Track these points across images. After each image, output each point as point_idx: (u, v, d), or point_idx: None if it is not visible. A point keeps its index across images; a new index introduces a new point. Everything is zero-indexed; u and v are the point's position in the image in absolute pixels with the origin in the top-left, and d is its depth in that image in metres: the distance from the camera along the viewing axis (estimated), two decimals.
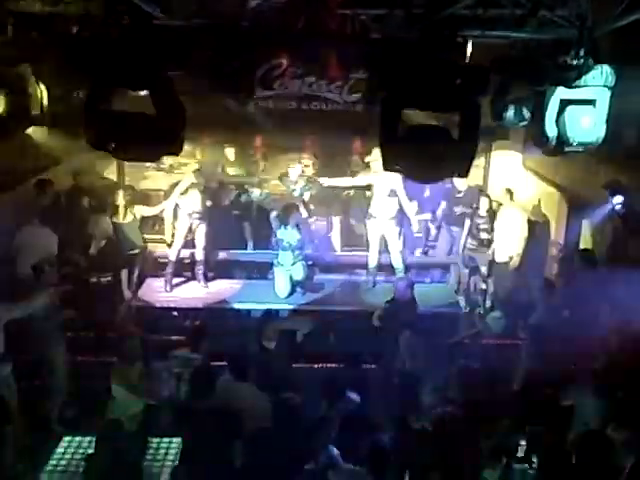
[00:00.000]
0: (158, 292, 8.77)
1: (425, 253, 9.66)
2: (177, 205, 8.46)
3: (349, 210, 9.73)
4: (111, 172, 9.86)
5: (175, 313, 8.50)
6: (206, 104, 6.48)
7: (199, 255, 8.70)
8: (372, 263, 8.87)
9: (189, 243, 8.70)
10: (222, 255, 9.25)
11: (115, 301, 8.41)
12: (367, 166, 9.00)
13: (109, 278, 8.29)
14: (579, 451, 4.57)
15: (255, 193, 9.22)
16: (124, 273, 8.66)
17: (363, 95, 7.72)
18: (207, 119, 7.30)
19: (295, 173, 9.02)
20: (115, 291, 8.47)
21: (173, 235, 8.49)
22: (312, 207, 9.05)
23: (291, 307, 8.32)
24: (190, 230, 8.53)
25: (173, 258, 8.59)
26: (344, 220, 9.78)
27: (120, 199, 8.52)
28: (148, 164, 9.36)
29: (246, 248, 9.57)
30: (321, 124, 8.35)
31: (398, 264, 8.72)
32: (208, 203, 8.75)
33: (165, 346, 6.62)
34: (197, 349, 6.28)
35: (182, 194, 8.41)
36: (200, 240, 8.61)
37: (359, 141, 9.64)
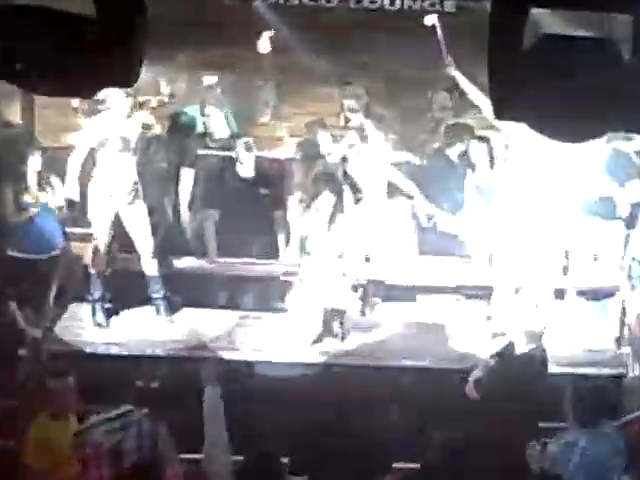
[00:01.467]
0: (88, 328, 7.23)
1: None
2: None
3: (427, 188, 7.80)
4: (13, 114, 8.47)
5: (118, 365, 6.88)
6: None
7: (148, 265, 7.06)
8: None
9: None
10: (196, 265, 7.55)
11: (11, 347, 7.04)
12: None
13: None
14: None
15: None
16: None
17: None
18: (183, 24, 7.24)
19: (333, 122, 7.47)
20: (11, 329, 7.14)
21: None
22: (360, 184, 7.35)
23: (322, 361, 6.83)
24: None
25: (97, 270, 7.04)
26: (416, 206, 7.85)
27: (31, 164, 7.15)
28: (77, 102, 7.34)
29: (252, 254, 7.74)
30: (383, 35, 7.82)
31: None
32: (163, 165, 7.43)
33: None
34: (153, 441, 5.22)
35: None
36: (141, 238, 6.98)
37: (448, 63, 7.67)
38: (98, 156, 6.77)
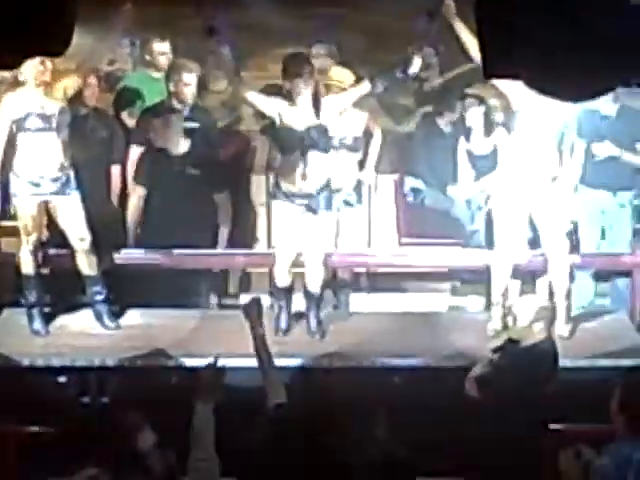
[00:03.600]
0: (25, 337, 6.94)
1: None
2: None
3: (414, 162, 7.93)
4: None
5: (62, 379, 6.63)
6: None
7: (84, 263, 6.82)
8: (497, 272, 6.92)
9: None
10: (142, 257, 7.28)
11: None
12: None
13: None
14: None
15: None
16: None
17: None
18: None
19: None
20: None
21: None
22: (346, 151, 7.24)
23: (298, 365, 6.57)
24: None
25: (29, 269, 6.81)
26: (401, 181, 8.00)
27: None
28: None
29: (215, 244, 7.54)
30: None
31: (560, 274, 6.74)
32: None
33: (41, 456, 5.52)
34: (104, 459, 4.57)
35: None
36: (75, 232, 6.72)
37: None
38: (18, 137, 6.55)
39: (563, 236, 6.82)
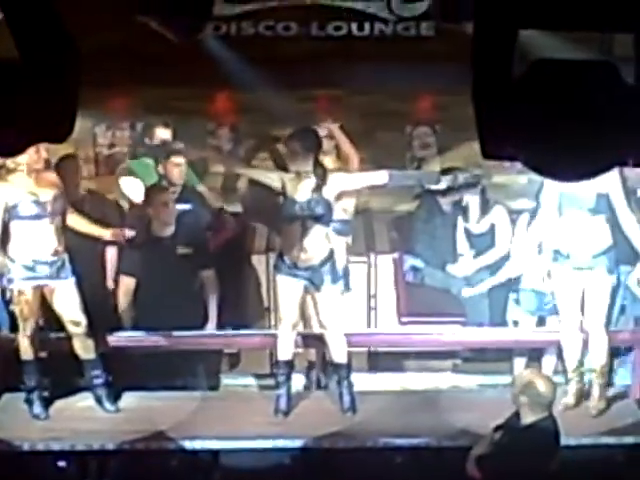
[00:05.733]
0: (25, 421, 6.88)
1: None
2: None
3: (414, 240, 7.83)
4: None
5: (62, 463, 6.63)
6: (121, 31, 6.85)
7: (81, 347, 6.75)
8: None
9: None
10: (141, 339, 7.22)
11: None
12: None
13: None
14: None
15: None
16: None
17: (433, 5, 7.44)
18: (121, 65, 7.09)
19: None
20: None
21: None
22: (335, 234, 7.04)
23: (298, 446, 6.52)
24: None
25: (28, 355, 6.74)
26: (402, 259, 7.84)
27: None
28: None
29: (202, 326, 7.33)
30: (349, 66, 7.47)
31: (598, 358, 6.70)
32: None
33: None
34: None
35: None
36: (71, 316, 6.65)
37: (427, 97, 8.06)
38: (12, 225, 6.54)
39: (604, 313, 6.70)
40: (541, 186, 6.76)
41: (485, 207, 7.42)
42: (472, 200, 7.43)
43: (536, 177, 6.50)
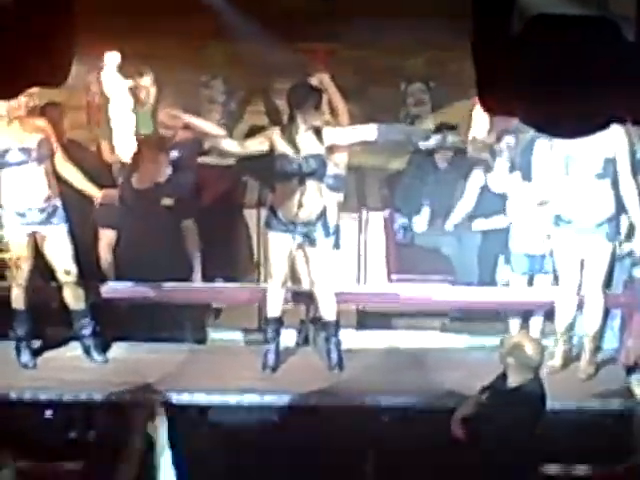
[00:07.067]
0: (11, 370, 6.91)
1: None
2: None
3: (404, 198, 7.86)
4: None
5: (49, 413, 6.66)
6: None
7: (71, 296, 6.73)
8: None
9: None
10: (130, 290, 7.17)
11: None
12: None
13: None
14: None
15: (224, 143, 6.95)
16: None
17: None
18: (114, 14, 6.90)
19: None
20: None
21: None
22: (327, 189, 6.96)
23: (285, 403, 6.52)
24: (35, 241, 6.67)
25: (20, 304, 6.72)
26: (393, 217, 7.91)
27: None
28: None
29: (189, 278, 7.37)
30: (343, 20, 7.40)
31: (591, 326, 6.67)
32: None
33: None
34: None
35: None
36: (62, 264, 6.63)
37: (421, 53, 7.93)
38: (1, 173, 6.52)
39: (603, 278, 6.66)
40: (549, 148, 6.64)
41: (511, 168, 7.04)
42: (504, 156, 7.11)
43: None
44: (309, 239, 6.42)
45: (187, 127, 7.45)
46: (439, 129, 7.68)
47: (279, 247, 6.47)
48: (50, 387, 6.60)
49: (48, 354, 6.98)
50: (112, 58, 7.29)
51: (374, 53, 7.98)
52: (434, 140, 7.26)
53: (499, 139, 7.19)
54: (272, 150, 6.41)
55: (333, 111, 7.27)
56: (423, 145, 7.35)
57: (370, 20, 7.47)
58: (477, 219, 7.49)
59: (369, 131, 6.48)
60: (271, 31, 7.46)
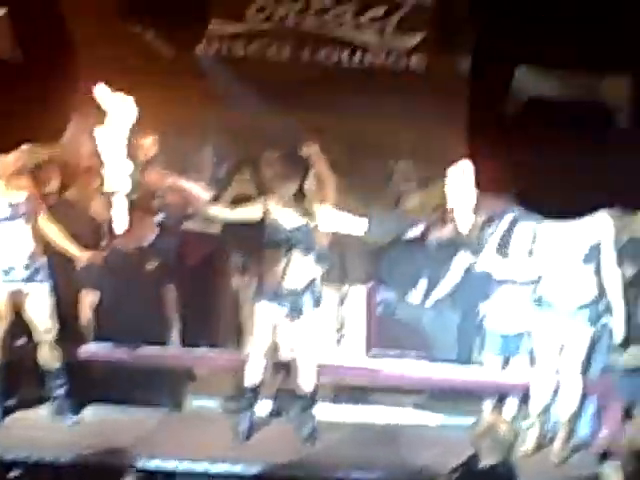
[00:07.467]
0: None
1: None
2: None
3: (390, 271, 7.77)
4: None
5: (15, 473, 6.41)
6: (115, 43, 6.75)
7: (46, 356, 6.72)
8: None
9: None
10: (107, 352, 7.16)
11: None
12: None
13: None
14: None
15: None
16: None
17: (426, 38, 7.47)
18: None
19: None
20: None
21: None
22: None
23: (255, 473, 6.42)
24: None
25: None
26: (375, 291, 7.81)
27: None
28: None
29: (166, 342, 7.37)
30: (340, 93, 7.44)
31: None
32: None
33: None
34: None
35: None
36: (40, 323, 6.62)
37: (414, 130, 7.90)
38: None
39: (581, 362, 6.61)
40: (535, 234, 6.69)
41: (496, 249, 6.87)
42: (495, 236, 6.90)
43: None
44: (296, 309, 6.38)
45: (174, 189, 7.40)
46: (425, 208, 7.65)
47: (265, 316, 6.42)
48: (19, 446, 6.48)
49: (19, 413, 6.87)
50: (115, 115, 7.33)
51: (364, 127, 7.97)
52: (421, 229, 7.27)
53: (489, 221, 7.21)
54: (263, 218, 6.38)
55: (320, 182, 7.27)
56: (411, 236, 7.39)
57: (362, 95, 7.50)
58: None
59: (359, 225, 6.49)
60: (264, 100, 7.52)
